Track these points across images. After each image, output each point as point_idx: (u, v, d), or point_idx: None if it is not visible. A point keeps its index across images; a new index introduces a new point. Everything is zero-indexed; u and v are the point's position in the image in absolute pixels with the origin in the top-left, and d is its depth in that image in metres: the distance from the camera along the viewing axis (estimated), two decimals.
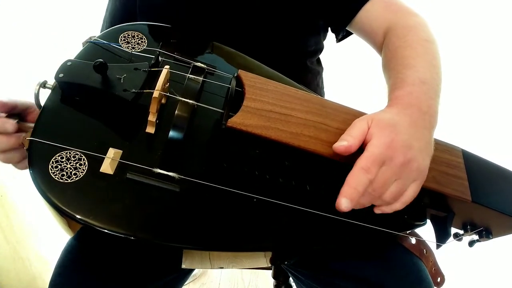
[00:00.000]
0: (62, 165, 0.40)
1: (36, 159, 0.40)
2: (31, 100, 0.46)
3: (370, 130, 0.43)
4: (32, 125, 0.44)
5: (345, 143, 0.42)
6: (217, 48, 0.57)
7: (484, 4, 1.39)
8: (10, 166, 0.49)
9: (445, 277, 0.58)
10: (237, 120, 0.43)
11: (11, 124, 0.45)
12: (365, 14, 0.61)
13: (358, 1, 0.61)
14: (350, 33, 0.68)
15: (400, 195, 0.43)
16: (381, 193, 0.42)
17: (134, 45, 0.52)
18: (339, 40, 0.70)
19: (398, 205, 0.44)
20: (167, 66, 0.46)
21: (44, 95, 0.46)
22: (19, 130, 0.46)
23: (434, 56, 0.53)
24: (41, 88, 0.46)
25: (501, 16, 1.38)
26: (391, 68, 0.54)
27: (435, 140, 0.51)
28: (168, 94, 0.46)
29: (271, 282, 0.80)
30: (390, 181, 0.42)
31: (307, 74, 0.73)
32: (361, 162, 0.41)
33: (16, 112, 0.47)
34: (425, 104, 0.46)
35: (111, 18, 0.69)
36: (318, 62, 0.78)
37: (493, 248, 0.84)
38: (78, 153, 0.41)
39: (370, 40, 0.64)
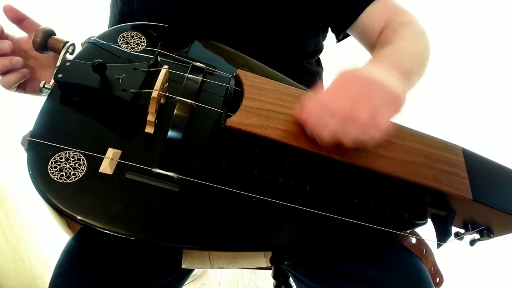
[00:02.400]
0: (61, 166, 0.40)
1: (35, 160, 0.40)
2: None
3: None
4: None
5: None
6: (216, 48, 0.57)
7: (484, 4, 1.39)
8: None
9: (444, 277, 0.58)
10: (236, 120, 0.43)
11: (7, 44, 0.47)
12: (367, 15, 0.61)
13: (361, 3, 0.61)
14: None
15: (374, 116, 0.41)
16: (350, 116, 0.41)
17: (133, 45, 0.52)
18: (339, 40, 0.70)
19: (373, 131, 0.42)
20: (166, 66, 0.46)
21: (43, 96, 0.46)
22: (14, 51, 0.49)
23: (422, 44, 0.56)
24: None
25: (501, 15, 1.38)
26: (376, 50, 0.57)
27: (435, 138, 0.51)
28: (167, 94, 0.46)
29: (271, 282, 0.80)
30: (357, 102, 0.41)
31: (306, 75, 0.73)
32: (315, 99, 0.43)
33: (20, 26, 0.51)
34: (398, 64, 0.48)
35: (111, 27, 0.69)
36: (318, 62, 0.78)
37: (492, 247, 0.84)
38: (77, 153, 0.41)
39: (366, 41, 0.64)
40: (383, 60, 0.50)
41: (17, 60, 0.48)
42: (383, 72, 0.45)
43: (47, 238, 1.06)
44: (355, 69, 0.44)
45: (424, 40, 0.58)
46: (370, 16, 0.61)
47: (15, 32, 0.51)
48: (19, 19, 0.51)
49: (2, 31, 0.49)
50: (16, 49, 0.51)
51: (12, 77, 0.49)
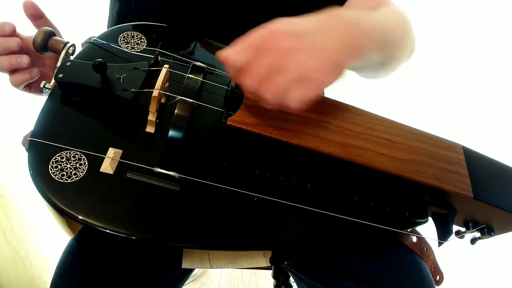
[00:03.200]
0: (62, 165, 0.40)
1: (36, 160, 0.40)
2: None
3: None
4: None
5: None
6: (216, 48, 0.57)
7: (485, 3, 1.39)
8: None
9: (444, 275, 0.58)
10: (237, 119, 0.43)
11: (15, 41, 0.46)
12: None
13: None
14: None
15: (279, 90, 0.37)
16: (257, 76, 0.38)
17: (134, 45, 0.52)
18: None
19: (273, 98, 0.38)
20: (167, 66, 0.46)
21: (44, 96, 0.46)
22: (22, 50, 0.48)
23: (396, 18, 0.50)
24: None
25: (501, 14, 1.38)
26: None
27: (436, 137, 0.51)
28: (167, 93, 0.46)
29: (271, 282, 0.80)
30: (267, 66, 0.37)
31: None
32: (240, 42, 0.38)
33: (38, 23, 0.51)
34: (352, 17, 0.40)
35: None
36: None
37: (492, 246, 0.84)
38: (78, 153, 0.41)
39: None
40: (324, 14, 0.41)
41: (22, 58, 0.47)
42: (319, 31, 0.38)
43: (47, 238, 1.06)
44: (286, 23, 0.39)
45: (400, 17, 0.52)
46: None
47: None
48: (37, 16, 0.50)
49: (15, 29, 0.48)
50: (25, 48, 0.49)
51: (21, 77, 0.48)
